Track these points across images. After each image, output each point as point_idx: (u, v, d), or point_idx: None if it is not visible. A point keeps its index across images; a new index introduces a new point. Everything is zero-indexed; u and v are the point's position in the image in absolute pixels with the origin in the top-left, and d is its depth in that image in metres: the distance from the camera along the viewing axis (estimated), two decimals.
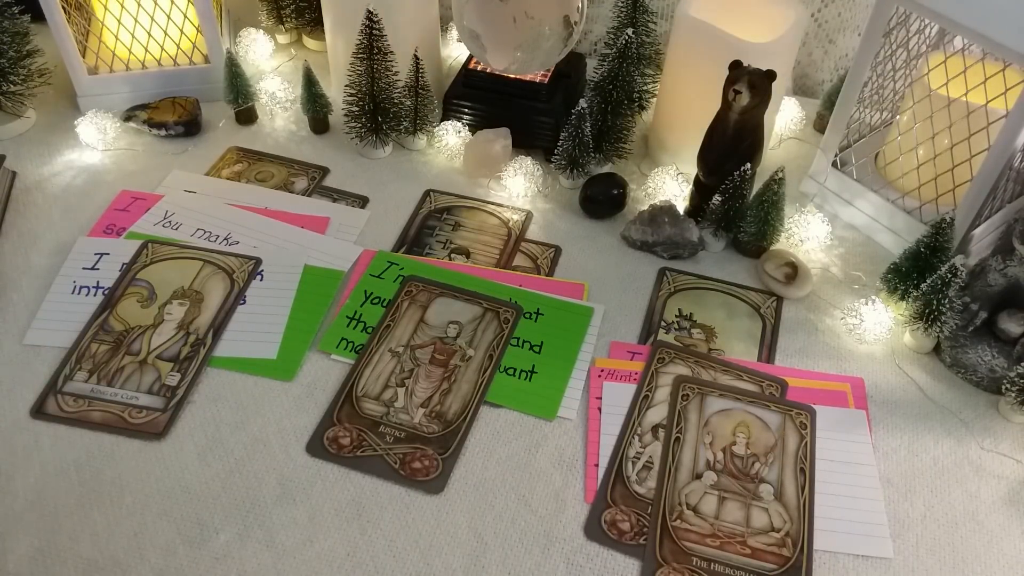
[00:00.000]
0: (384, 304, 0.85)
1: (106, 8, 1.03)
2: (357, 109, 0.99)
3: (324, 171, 1.02)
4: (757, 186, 0.90)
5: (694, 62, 0.94)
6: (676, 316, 0.87)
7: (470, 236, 0.94)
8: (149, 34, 1.05)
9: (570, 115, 0.94)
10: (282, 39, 1.21)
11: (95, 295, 0.84)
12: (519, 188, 0.98)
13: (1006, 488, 0.75)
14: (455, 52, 1.20)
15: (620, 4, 1.04)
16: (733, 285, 0.90)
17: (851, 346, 0.85)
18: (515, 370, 0.80)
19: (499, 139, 1.00)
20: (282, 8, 1.17)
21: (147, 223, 0.92)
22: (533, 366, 0.81)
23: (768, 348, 0.85)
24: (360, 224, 0.95)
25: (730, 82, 0.83)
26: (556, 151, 0.98)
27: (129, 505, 0.69)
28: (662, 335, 0.85)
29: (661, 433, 0.76)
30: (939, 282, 0.79)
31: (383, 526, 0.69)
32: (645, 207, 0.94)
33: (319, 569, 0.66)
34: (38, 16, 0.97)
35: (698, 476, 0.73)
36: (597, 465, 0.73)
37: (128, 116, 1.04)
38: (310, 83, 1.02)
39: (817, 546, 0.69)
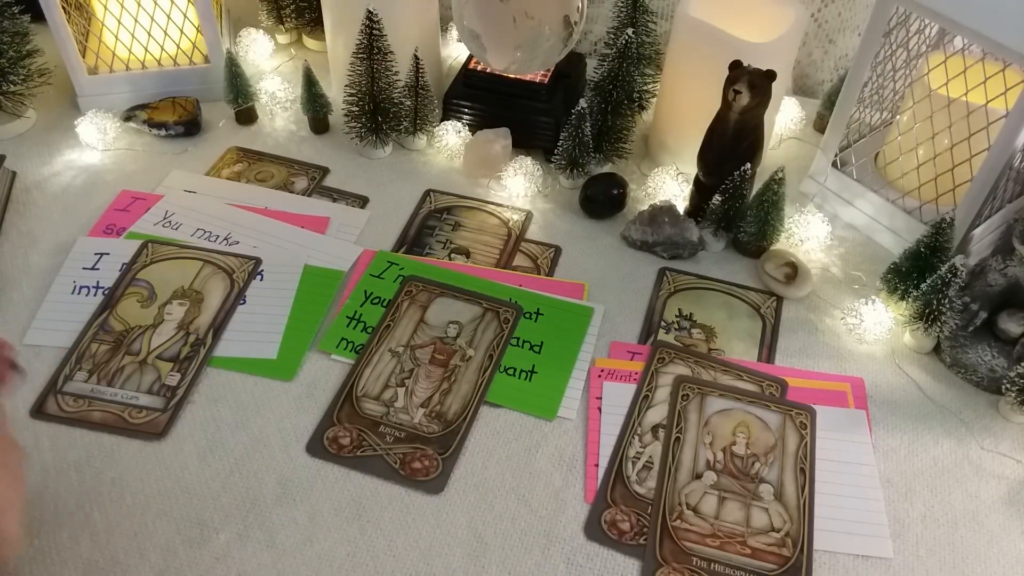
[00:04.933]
0: (384, 304, 0.85)
1: (106, 8, 1.03)
2: (357, 109, 0.99)
3: (324, 171, 1.02)
4: (757, 186, 0.90)
5: (694, 62, 0.94)
6: (676, 316, 0.87)
7: (470, 236, 0.94)
8: (149, 34, 1.05)
9: (570, 115, 0.94)
10: (282, 39, 1.21)
11: (95, 295, 0.84)
12: (519, 188, 0.98)
13: (1006, 488, 0.75)
14: (455, 52, 1.20)
15: (620, 4, 1.04)
16: (733, 285, 0.90)
17: (851, 346, 0.85)
18: (515, 370, 0.80)
19: (499, 139, 1.00)
20: (282, 8, 1.17)
21: (147, 223, 0.92)
22: (533, 366, 0.81)
23: (768, 348, 0.85)
24: (360, 224, 0.95)
25: (730, 82, 0.83)
26: (556, 151, 0.98)
27: (129, 505, 0.69)
28: (662, 335, 0.85)
29: (661, 433, 0.76)
30: (939, 282, 0.80)
31: (383, 526, 0.69)
32: (645, 207, 0.94)
33: (319, 569, 0.66)
34: (38, 16, 0.97)
35: (698, 476, 0.73)
36: (597, 465, 0.73)
37: (128, 116, 1.04)
38: (310, 83, 1.02)
39: (817, 546, 0.69)
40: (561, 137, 0.97)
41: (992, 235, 0.91)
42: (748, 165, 0.87)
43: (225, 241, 0.91)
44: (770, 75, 0.82)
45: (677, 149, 1.01)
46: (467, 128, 1.03)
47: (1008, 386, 0.78)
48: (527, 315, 0.85)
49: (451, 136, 1.02)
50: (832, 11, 1.12)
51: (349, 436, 0.74)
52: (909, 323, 0.84)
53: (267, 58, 1.17)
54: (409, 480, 0.72)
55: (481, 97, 1.04)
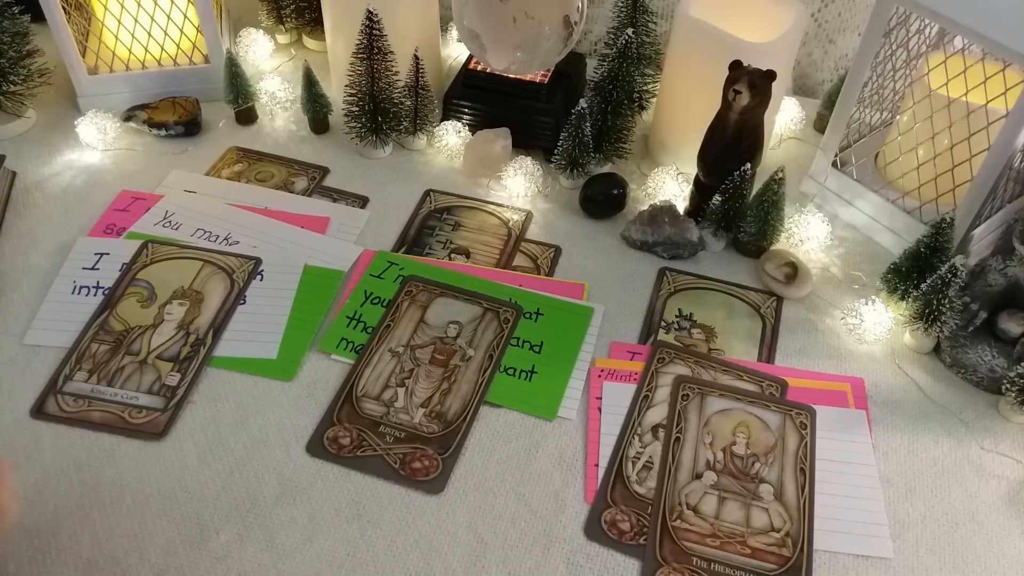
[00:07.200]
0: (384, 304, 0.85)
1: (106, 8, 1.03)
2: (357, 109, 0.99)
3: (324, 171, 1.02)
4: (757, 186, 0.90)
5: (694, 62, 0.94)
6: (676, 316, 0.87)
7: (470, 236, 0.94)
8: (149, 34, 1.05)
9: (570, 115, 0.94)
10: (282, 39, 1.21)
11: (95, 295, 0.84)
12: (519, 188, 0.98)
13: (1006, 488, 0.75)
14: (455, 52, 1.20)
15: (620, 4, 1.04)
16: (733, 285, 0.90)
17: (851, 346, 0.85)
18: (515, 370, 0.80)
19: (499, 139, 1.00)
20: (282, 8, 1.17)
21: (147, 223, 0.92)
22: (533, 366, 0.81)
23: (768, 348, 0.85)
24: (360, 224, 0.95)
25: (730, 82, 0.83)
26: (556, 151, 0.98)
27: (129, 505, 0.69)
28: (662, 335, 0.85)
29: (661, 433, 0.76)
30: (939, 282, 0.79)
31: (383, 526, 0.69)
32: (645, 207, 0.94)
33: (319, 569, 0.66)
34: (38, 16, 0.97)
35: (698, 476, 0.73)
36: (597, 465, 0.73)
37: (128, 116, 1.04)
38: (310, 83, 1.02)
39: (817, 546, 0.69)
40: (561, 137, 0.97)
41: (992, 235, 0.91)
42: (748, 165, 0.87)
43: (225, 241, 0.91)
44: (770, 75, 0.82)
45: (677, 149, 1.01)
46: (467, 128, 1.03)
47: (1008, 386, 0.78)
48: (527, 315, 0.85)
49: (451, 136, 1.02)
50: (832, 11, 1.12)
51: (349, 436, 0.74)
52: (909, 323, 0.84)
53: (267, 58, 1.17)
54: (409, 480, 0.72)
55: (481, 97, 1.03)
